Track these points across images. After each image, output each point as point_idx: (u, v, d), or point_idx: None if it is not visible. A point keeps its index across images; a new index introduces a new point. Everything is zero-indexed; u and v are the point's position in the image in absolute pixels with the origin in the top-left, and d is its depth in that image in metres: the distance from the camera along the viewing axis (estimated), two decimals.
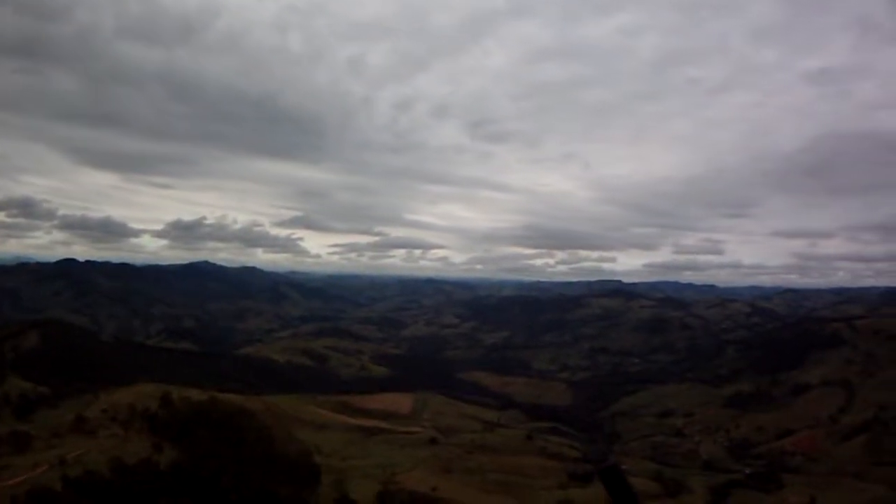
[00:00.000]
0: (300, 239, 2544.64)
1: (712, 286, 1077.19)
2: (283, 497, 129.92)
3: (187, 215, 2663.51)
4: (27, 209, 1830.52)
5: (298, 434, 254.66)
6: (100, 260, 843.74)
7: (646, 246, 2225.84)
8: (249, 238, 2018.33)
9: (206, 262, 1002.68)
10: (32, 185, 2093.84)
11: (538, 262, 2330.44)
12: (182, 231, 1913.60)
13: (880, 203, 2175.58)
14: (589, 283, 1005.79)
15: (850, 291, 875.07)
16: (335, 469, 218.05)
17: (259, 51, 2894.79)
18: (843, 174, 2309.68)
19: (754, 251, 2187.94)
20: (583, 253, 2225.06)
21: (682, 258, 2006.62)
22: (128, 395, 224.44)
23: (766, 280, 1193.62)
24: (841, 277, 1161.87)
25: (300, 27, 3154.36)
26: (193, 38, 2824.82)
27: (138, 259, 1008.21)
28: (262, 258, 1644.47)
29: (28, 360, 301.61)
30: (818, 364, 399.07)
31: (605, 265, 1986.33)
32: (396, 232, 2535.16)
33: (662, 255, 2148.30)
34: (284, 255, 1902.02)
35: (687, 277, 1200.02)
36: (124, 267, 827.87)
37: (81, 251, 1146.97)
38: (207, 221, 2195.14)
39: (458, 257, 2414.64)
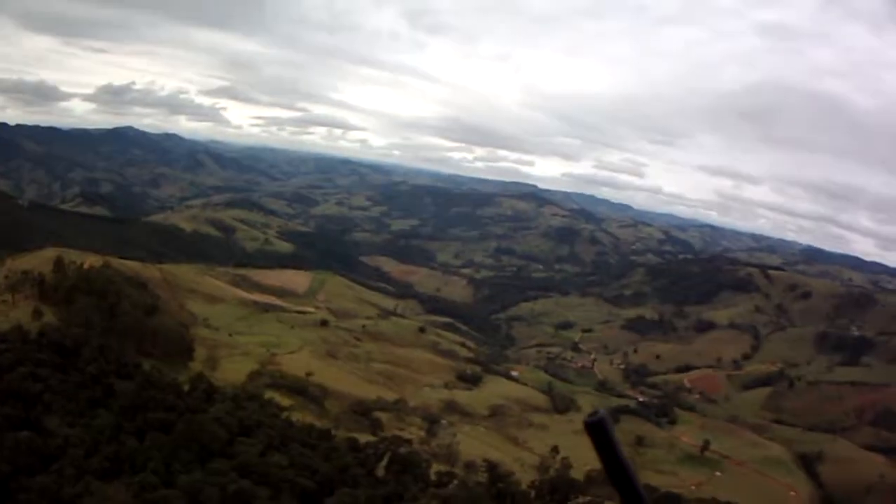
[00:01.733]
0: (223, 109, 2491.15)
1: (628, 207, 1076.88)
2: (145, 370, 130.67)
3: (118, 80, 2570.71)
4: None
5: (191, 305, 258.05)
6: (29, 123, 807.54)
7: (566, 156, 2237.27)
8: (174, 105, 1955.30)
9: (130, 128, 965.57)
10: None
11: (456, 155, 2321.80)
12: (111, 96, 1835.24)
13: (813, 162, 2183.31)
14: (504, 183, 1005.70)
15: (770, 241, 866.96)
16: (219, 344, 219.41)
17: None
18: (779, 126, 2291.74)
19: (676, 181, 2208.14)
20: (501, 153, 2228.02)
21: (601, 174, 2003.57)
22: (31, 261, 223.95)
23: (683, 211, 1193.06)
24: (761, 225, 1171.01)
25: None
26: None
27: (66, 123, 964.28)
28: (185, 126, 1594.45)
29: None
30: (727, 305, 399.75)
31: (523, 168, 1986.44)
32: (319, 109, 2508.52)
33: (582, 168, 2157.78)
34: (206, 125, 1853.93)
35: (603, 193, 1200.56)
36: (51, 131, 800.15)
37: (13, 115, 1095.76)
38: (136, 87, 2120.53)
39: (377, 141, 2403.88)
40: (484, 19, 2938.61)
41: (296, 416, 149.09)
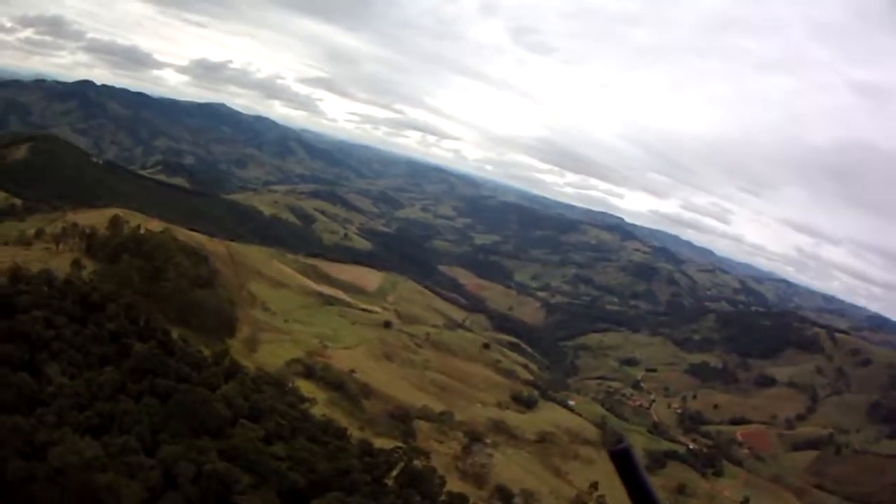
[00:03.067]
0: (320, 100, 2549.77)
1: (710, 252, 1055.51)
2: (172, 337, 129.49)
3: (215, 56, 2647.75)
4: (56, 28, 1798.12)
5: (253, 286, 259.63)
6: (118, 86, 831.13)
7: (655, 192, 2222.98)
8: (270, 89, 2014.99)
9: (223, 105, 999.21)
10: (64, 6, 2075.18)
11: (548, 178, 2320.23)
12: (206, 70, 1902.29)
13: (892, 230, 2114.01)
14: (591, 212, 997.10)
15: (841, 303, 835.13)
16: (269, 328, 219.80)
17: None
18: (864, 188, 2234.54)
19: (759, 232, 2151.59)
20: (593, 181, 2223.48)
21: (687, 215, 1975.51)
22: (91, 217, 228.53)
23: (762, 263, 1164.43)
24: (834, 286, 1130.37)
25: None
26: None
27: (156, 92, 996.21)
28: (279, 111, 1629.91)
29: (10, 171, 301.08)
30: (790, 362, 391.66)
31: (612, 199, 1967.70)
32: (416, 114, 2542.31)
33: (669, 206, 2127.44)
34: (301, 113, 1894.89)
35: (687, 235, 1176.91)
36: (140, 96, 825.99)
37: (101, 75, 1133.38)
38: (233, 65, 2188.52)
39: (471, 153, 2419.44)
40: (589, 44, 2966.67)
41: (320, 410, 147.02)
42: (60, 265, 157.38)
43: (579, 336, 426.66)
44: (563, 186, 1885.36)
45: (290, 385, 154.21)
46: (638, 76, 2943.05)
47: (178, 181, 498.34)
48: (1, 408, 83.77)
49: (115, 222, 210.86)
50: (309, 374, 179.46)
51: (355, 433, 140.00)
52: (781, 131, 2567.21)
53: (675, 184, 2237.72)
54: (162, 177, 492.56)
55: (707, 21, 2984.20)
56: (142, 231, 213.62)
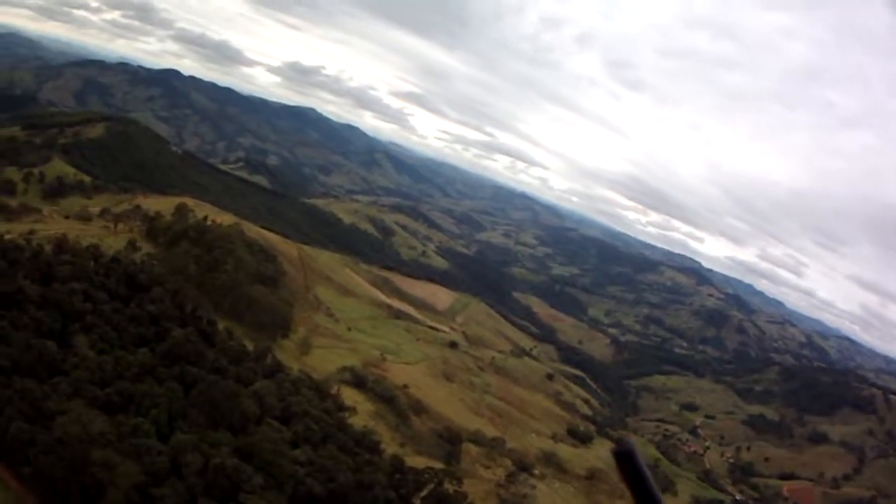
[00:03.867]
0: (411, 115, 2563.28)
1: (781, 304, 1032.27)
2: (218, 329, 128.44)
3: (307, 60, 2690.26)
4: (143, 13, 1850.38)
5: (320, 291, 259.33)
6: (205, 79, 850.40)
7: (734, 239, 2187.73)
8: (362, 99, 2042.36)
9: (313, 110, 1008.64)
10: None
11: (631, 215, 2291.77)
12: (298, 73, 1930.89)
13: None
14: (670, 253, 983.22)
15: None
16: (328, 334, 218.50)
17: None
18: None
19: (829, 287, 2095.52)
20: (675, 223, 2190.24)
21: (762, 265, 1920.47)
22: (160, 203, 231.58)
23: (830, 319, 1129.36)
24: None
25: None
26: None
27: (245, 89, 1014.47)
28: (369, 122, 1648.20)
29: (84, 148, 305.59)
30: (844, 421, 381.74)
31: (692, 242, 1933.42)
32: (506, 138, 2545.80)
33: (746, 254, 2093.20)
34: (391, 126, 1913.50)
35: (761, 285, 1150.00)
36: (227, 91, 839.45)
37: (189, 66, 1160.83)
38: (326, 71, 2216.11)
39: (558, 183, 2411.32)
40: (682, 84, 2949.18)
41: (361, 421, 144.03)
42: (115, 244, 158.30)
43: (644, 376, 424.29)
44: (646, 226, 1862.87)
45: (334, 392, 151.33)
46: (726, 120, 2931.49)
47: (259, 180, 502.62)
48: (16, 370, 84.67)
49: (180, 209, 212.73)
50: (359, 383, 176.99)
51: (394, 449, 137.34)
52: (857, 186, 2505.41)
53: (754, 231, 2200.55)
54: (243, 174, 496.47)
55: (795, 70, 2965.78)
56: (208, 222, 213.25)
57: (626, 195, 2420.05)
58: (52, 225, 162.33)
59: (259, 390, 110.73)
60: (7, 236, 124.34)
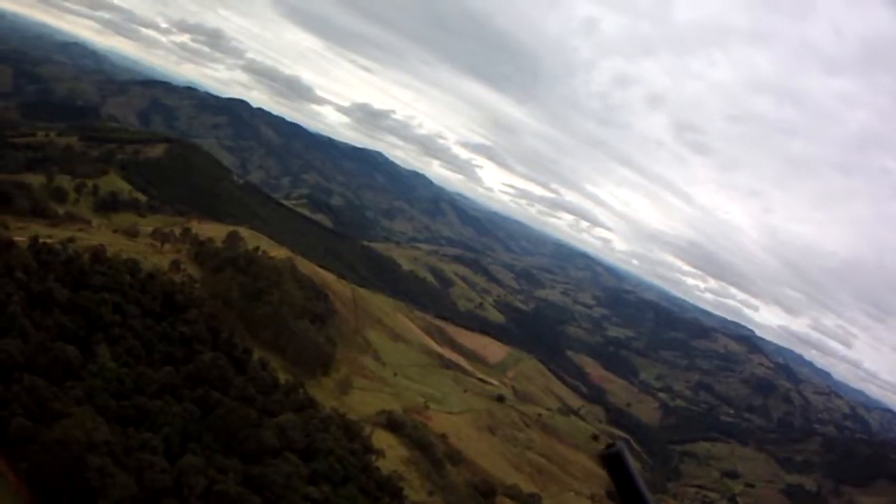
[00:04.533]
0: (479, 167, 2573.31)
1: (828, 374, 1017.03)
2: (252, 358, 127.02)
3: (378, 103, 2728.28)
4: (214, 40, 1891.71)
5: (370, 334, 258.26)
6: (273, 112, 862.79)
7: (787, 308, 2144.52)
8: (430, 147, 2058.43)
9: (380, 154, 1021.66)
10: (228, 21, 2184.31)
11: (690, 281, 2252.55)
12: (367, 115, 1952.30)
13: None
14: (724, 320, 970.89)
15: None
16: (373, 376, 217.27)
17: None
18: None
19: (876, 358, 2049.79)
20: (732, 290, 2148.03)
21: (813, 335, 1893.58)
22: (214, 230, 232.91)
23: (874, 391, 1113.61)
24: None
25: None
26: None
27: (313, 126, 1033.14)
28: (436, 170, 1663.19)
29: (142, 167, 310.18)
30: (880, 493, 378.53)
31: (746, 310, 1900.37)
32: (572, 197, 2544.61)
33: (798, 324, 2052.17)
34: (458, 176, 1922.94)
35: (811, 355, 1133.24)
36: (295, 127, 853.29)
37: (257, 98, 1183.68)
38: (396, 116, 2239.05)
39: (620, 245, 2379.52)
40: (745, 150, 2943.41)
41: (391, 465, 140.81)
42: (159, 263, 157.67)
43: (689, 442, 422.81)
44: (703, 292, 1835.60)
45: (366, 433, 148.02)
46: (785, 187, 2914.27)
47: (321, 218, 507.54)
48: (30, 368, 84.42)
49: (232, 237, 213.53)
50: (396, 427, 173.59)
51: (421, 497, 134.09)
52: None
53: (807, 301, 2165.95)
54: (305, 211, 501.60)
55: (855, 138, 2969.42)
56: (260, 253, 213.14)
57: (686, 261, 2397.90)
58: (95, 236, 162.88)
59: (283, 423, 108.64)
60: (46, 240, 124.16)
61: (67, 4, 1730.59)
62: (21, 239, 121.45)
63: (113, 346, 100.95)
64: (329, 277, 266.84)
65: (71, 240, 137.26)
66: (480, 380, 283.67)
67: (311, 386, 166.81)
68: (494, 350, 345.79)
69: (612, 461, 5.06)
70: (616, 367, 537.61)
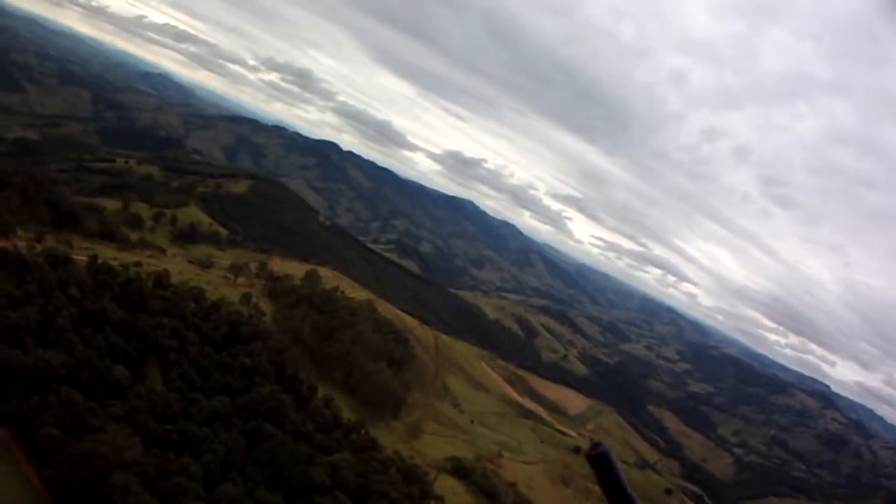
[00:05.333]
0: (569, 219, 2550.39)
1: None
2: (316, 395, 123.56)
3: (469, 151, 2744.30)
4: (303, 81, 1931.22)
5: (450, 380, 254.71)
6: (364, 156, 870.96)
7: (863, 363, 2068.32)
8: (521, 197, 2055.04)
9: (471, 203, 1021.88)
10: (317, 62, 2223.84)
11: (771, 336, 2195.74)
12: (459, 163, 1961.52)
13: None
14: (801, 376, 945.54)
15: None
16: (448, 423, 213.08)
17: (589, 26, 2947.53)
18: None
19: None
20: (811, 345, 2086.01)
21: (885, 390, 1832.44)
22: (294, 267, 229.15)
23: None
24: None
25: (634, 20, 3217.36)
26: None
27: (404, 172, 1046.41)
28: (526, 221, 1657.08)
29: (223, 201, 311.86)
30: None
31: (824, 366, 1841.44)
32: (660, 250, 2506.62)
33: (872, 380, 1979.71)
34: (548, 228, 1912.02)
35: (882, 411, 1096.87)
36: (386, 172, 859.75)
37: (348, 141, 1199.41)
38: (487, 165, 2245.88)
39: (704, 300, 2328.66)
40: (827, 203, 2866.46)
41: None
42: (229, 295, 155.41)
43: (760, 497, 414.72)
44: (784, 347, 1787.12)
45: (429, 479, 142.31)
46: (864, 240, 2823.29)
47: (408, 264, 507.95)
48: (70, 383, 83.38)
49: (310, 275, 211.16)
50: (463, 474, 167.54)
51: None
52: None
53: (882, 356, 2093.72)
54: (393, 256, 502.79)
55: None
56: (339, 293, 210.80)
57: (768, 316, 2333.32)
58: (165, 263, 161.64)
59: (337, 461, 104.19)
60: (107, 261, 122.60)
61: (151, 34, 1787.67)
62: (80, 258, 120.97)
63: (166, 371, 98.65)
64: (411, 322, 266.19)
65: (137, 264, 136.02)
66: (559, 431, 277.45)
67: (379, 428, 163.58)
68: (575, 402, 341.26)
69: (597, 461, 5.09)
70: (695, 421, 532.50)
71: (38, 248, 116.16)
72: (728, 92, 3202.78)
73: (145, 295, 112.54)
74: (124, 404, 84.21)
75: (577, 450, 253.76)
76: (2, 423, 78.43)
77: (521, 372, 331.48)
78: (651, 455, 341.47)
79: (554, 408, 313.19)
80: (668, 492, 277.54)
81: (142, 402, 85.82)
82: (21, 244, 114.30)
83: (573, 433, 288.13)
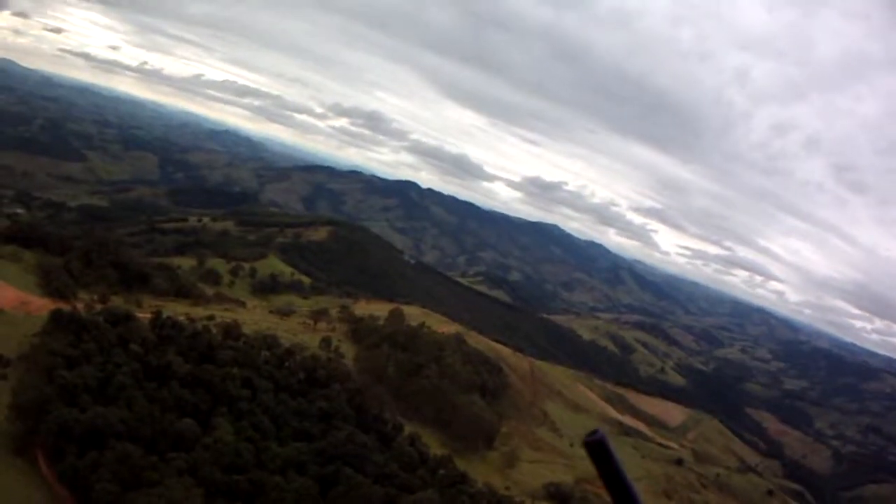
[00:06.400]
0: (654, 231, 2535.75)
1: None
2: (402, 433, 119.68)
3: (548, 176, 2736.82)
4: (374, 123, 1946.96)
5: (548, 405, 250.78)
6: (444, 192, 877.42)
7: None
8: (604, 215, 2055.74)
9: (556, 227, 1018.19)
10: (385, 103, 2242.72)
11: (858, 324, 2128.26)
12: (539, 189, 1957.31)
13: None
14: (892, 359, 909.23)
15: None
16: (546, 447, 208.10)
17: (649, 36, 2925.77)
18: None
19: None
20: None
21: None
22: (378, 308, 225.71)
23: None
24: None
25: (692, 23, 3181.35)
26: (584, 5, 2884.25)
27: (485, 203, 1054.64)
28: (612, 239, 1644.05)
29: (304, 250, 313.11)
30: None
31: None
32: (744, 252, 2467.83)
33: None
34: (633, 243, 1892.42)
35: None
36: (467, 205, 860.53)
37: (427, 179, 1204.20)
38: (567, 188, 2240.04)
39: (792, 296, 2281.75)
40: None
41: None
42: (308, 340, 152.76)
43: (857, 487, 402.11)
44: (870, 333, 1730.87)
45: None
46: None
47: (499, 294, 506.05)
48: (129, 438, 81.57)
49: (394, 313, 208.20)
50: (562, 499, 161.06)
51: None
52: None
53: None
54: (482, 288, 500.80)
55: None
56: (425, 329, 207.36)
57: (854, 304, 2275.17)
58: (242, 314, 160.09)
59: (419, 499, 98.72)
60: (171, 316, 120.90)
61: (211, 92, 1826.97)
62: (144, 315, 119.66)
63: (238, 421, 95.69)
64: (505, 351, 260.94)
65: (210, 318, 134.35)
66: (660, 444, 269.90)
67: (473, 460, 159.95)
68: (675, 413, 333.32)
69: (595, 448, 5.07)
70: (792, 419, 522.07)
71: (98, 307, 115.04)
72: (791, 83, 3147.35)
73: (214, 346, 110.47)
74: (189, 456, 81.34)
75: (679, 461, 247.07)
76: (60, 482, 76.52)
77: (619, 389, 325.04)
78: (752, 458, 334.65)
79: (654, 422, 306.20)
80: (770, 493, 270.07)
81: (208, 453, 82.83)
82: (80, 305, 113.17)
83: (674, 445, 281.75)
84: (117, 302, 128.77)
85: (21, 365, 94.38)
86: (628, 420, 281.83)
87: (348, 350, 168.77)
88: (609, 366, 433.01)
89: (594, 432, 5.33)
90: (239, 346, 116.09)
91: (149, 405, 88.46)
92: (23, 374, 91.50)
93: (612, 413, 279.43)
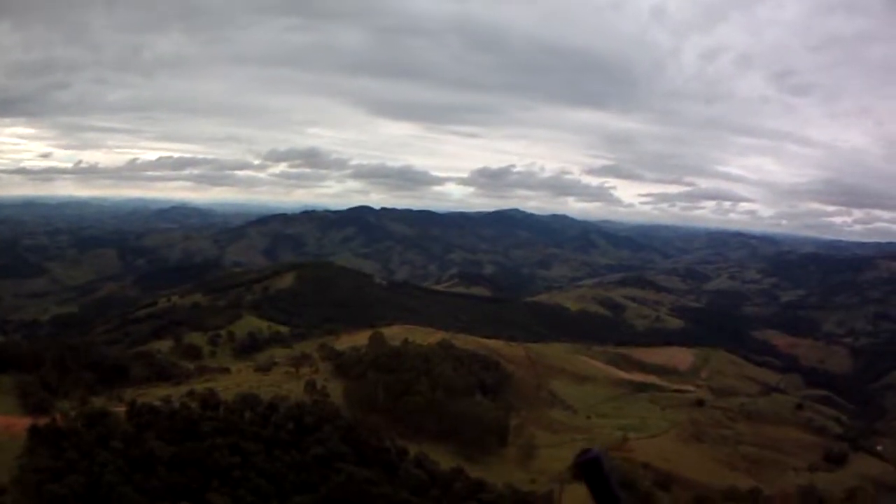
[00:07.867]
0: (612, 188, 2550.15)
1: None
2: (406, 457, 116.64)
3: (495, 164, 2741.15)
4: (313, 159, 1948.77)
5: (555, 385, 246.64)
6: (399, 207, 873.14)
7: None
8: (559, 186, 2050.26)
9: (516, 210, 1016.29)
10: (319, 137, 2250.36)
11: (837, 219, 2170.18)
12: (489, 179, 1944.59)
13: None
14: (880, 245, 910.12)
15: None
16: (563, 428, 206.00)
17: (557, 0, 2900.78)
18: None
19: None
20: (877, 212, 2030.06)
21: None
22: (360, 338, 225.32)
23: None
24: None
25: None
26: None
27: (442, 207, 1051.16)
28: (573, 206, 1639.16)
29: (274, 300, 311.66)
30: None
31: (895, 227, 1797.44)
32: (706, 183, 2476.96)
33: None
34: (595, 204, 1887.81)
35: None
36: (425, 214, 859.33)
37: (378, 199, 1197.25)
38: (516, 170, 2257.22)
39: (765, 211, 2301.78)
40: (838, 73, 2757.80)
41: None
42: (294, 387, 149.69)
43: (884, 376, 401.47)
44: (852, 225, 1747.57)
45: (553, 495, 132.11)
46: (885, 93, 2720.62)
47: (478, 291, 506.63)
48: None
49: (374, 339, 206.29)
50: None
51: None
52: None
53: None
54: (460, 289, 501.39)
55: None
56: (408, 345, 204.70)
57: (826, 201, 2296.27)
58: (226, 380, 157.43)
59: None
60: (152, 401, 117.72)
61: (150, 173, 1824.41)
62: (120, 409, 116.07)
63: (235, 490, 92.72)
64: (496, 345, 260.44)
65: (190, 393, 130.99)
66: (676, 391, 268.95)
67: (491, 462, 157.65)
68: (682, 357, 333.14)
69: (587, 468, 4.74)
70: (799, 329, 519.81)
71: (73, 414, 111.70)
72: (709, 8, 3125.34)
73: (194, 420, 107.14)
74: None
75: (700, 402, 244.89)
76: None
77: (620, 350, 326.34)
78: (770, 378, 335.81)
79: (664, 371, 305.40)
80: (800, 406, 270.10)
81: None
82: (58, 416, 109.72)
83: (690, 388, 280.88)
84: (98, 402, 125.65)
85: (16, 489, 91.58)
86: (637, 377, 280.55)
87: (335, 388, 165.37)
88: (605, 330, 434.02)
89: (586, 451, 5.03)
90: (219, 414, 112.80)
91: (139, 497, 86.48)
92: (18, 497, 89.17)
93: (620, 374, 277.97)
